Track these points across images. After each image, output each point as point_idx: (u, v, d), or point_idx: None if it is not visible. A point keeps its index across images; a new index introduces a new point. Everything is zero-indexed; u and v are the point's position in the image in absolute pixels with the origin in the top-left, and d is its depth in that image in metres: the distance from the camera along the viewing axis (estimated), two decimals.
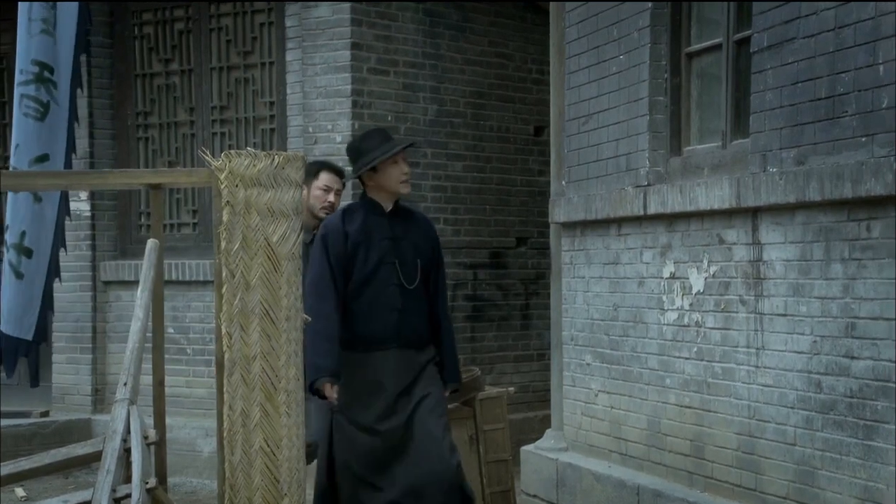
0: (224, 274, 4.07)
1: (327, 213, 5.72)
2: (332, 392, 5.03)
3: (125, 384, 3.27)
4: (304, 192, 5.58)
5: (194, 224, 9.15)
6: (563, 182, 6.92)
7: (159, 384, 4.35)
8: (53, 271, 8.23)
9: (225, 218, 4.07)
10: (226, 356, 4.05)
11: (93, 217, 9.27)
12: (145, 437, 3.20)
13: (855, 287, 4.58)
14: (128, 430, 3.14)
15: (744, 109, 5.42)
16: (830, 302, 4.72)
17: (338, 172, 6.07)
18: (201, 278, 8.76)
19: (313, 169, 5.92)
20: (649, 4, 6.02)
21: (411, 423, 5.10)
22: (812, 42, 4.78)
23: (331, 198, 5.87)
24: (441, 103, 8.95)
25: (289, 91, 8.65)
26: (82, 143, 9.18)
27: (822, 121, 4.72)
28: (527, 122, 9.42)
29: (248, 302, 4.13)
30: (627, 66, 6.21)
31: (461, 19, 9.11)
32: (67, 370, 9.32)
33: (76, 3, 7.84)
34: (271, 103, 8.81)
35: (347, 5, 8.40)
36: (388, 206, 5.25)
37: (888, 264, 4.40)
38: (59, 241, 8.22)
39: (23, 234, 8.16)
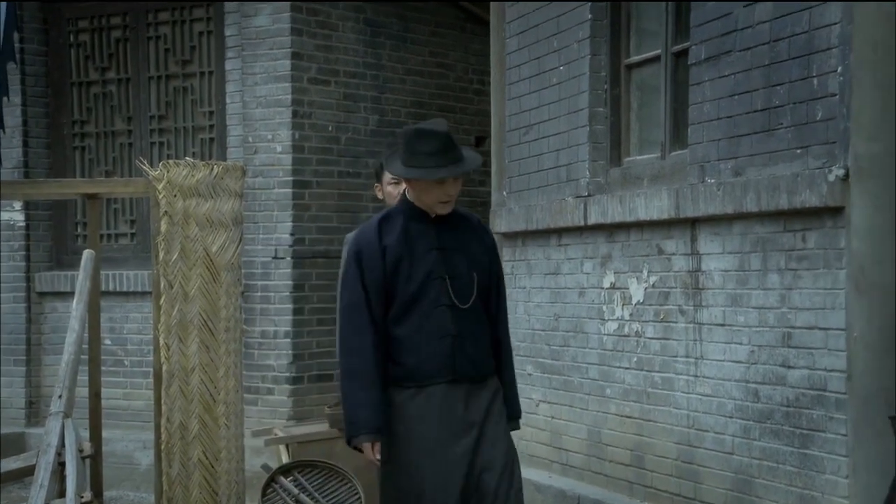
0: (162, 285, 4.03)
1: None
2: (372, 453, 4.20)
3: (60, 397, 3.22)
4: (379, 192, 5.49)
5: (132, 234, 9.06)
6: (504, 192, 6.93)
7: (95, 396, 4.30)
8: None
9: (163, 228, 4.03)
10: (164, 368, 4.01)
11: (27, 227, 9.15)
12: (80, 451, 3.15)
13: (791, 297, 4.63)
14: (62, 444, 3.09)
15: (682, 121, 5.46)
16: (767, 312, 4.76)
17: None
18: (139, 289, 8.67)
19: (376, 168, 5.70)
20: (589, 15, 6.05)
21: (477, 481, 4.22)
22: (748, 55, 4.83)
23: (402, 188, 5.35)
24: (382, 113, 8.94)
25: (228, 100, 8.60)
26: (16, 153, 9.08)
27: (759, 133, 4.76)
28: (468, 132, 9.43)
29: (186, 313, 4.09)
30: (567, 77, 6.24)
31: (402, 29, 9.10)
32: (1, 383, 9.18)
33: (3, 10, 7.74)
34: (210, 113, 8.75)
35: (287, 15, 8.36)
36: (433, 212, 4.32)
37: (823, 274, 4.45)
38: None
39: None
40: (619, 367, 5.81)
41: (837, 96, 4.33)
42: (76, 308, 3.54)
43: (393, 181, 5.30)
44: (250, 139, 8.45)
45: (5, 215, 9.06)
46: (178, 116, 8.93)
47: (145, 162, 4.07)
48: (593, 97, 6.06)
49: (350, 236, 4.89)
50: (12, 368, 9.15)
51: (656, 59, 5.77)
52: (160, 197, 4.00)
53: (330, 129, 8.59)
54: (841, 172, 4.29)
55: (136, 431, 8.58)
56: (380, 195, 5.53)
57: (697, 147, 5.18)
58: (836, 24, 4.34)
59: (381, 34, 8.94)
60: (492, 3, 7.15)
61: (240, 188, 4.15)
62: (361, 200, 8.72)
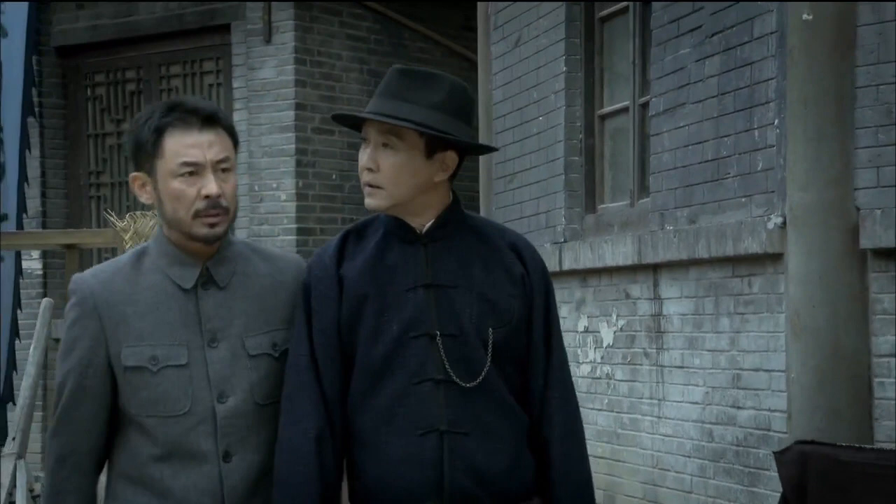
0: None
1: None
2: None
3: (13, 439, 3.47)
4: None
5: None
6: None
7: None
8: (14, 331, 8.44)
9: None
10: None
11: (44, 275, 9.46)
12: (31, 490, 3.38)
13: (739, 340, 4.80)
14: (13, 484, 3.33)
15: (648, 169, 5.66)
16: (720, 354, 4.93)
17: None
18: None
19: None
20: (564, 68, 6.27)
21: None
22: (700, 107, 5.03)
23: None
24: None
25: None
26: (35, 203, 9.40)
27: (709, 182, 4.95)
28: (461, 178, 9.63)
29: None
30: (546, 127, 6.45)
31: None
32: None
33: (21, 67, 8.09)
34: None
35: (291, 67, 8.66)
36: (425, 222, 2.68)
37: (766, 318, 4.62)
38: (17, 300, 8.44)
39: None
40: (592, 409, 5.99)
41: (775, 147, 4.52)
42: (32, 354, 3.79)
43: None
44: (256, 188, 8.72)
45: (25, 263, 9.37)
46: None
47: (113, 214, 4.32)
48: (569, 146, 6.27)
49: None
50: (36, 414, 9.42)
51: (625, 109, 5.98)
52: (126, 246, 4.25)
53: (333, 177, 8.85)
54: (779, 220, 4.46)
55: None
56: None
57: (658, 195, 5.37)
58: (772, 79, 4.54)
59: None
60: (479, 58, 7.39)
61: None
62: None
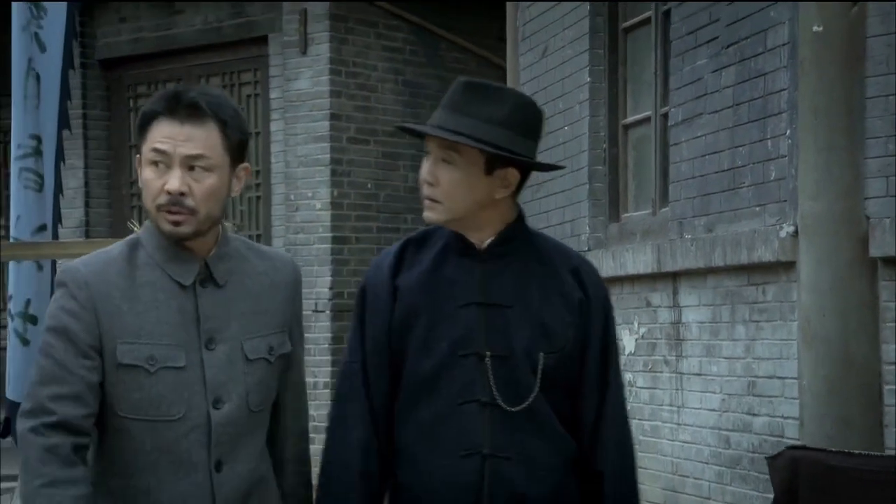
0: None
1: None
2: None
3: None
4: None
5: None
6: None
7: None
8: None
9: None
10: None
11: None
12: None
13: (755, 347, 4.85)
14: None
15: (668, 179, 5.72)
16: (735, 362, 4.98)
17: None
18: None
19: None
20: (588, 79, 6.34)
21: None
22: (716, 117, 5.08)
23: None
24: None
25: (273, 160, 9.03)
26: (78, 213, 9.60)
27: (725, 191, 5.01)
28: None
29: None
30: (571, 136, 6.53)
31: (441, 90, 9.42)
32: None
33: (58, 81, 8.27)
34: (257, 172, 9.18)
35: (326, 78, 8.78)
36: (485, 238, 2.63)
37: (780, 326, 4.67)
38: None
39: (28, 302, 8.54)
40: None
41: (787, 157, 4.56)
42: None
43: None
44: (292, 197, 8.85)
45: None
46: None
47: (135, 223, 4.42)
48: (593, 156, 6.34)
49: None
50: None
51: (648, 119, 6.04)
52: None
53: (368, 186, 8.96)
54: (791, 229, 4.51)
55: None
56: None
57: (676, 204, 5.43)
58: (784, 90, 4.59)
59: (419, 95, 9.30)
60: (508, 68, 7.48)
61: None
62: None
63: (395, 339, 2.59)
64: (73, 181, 9.58)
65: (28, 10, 8.26)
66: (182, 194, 2.42)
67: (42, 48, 8.35)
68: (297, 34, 8.89)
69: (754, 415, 4.85)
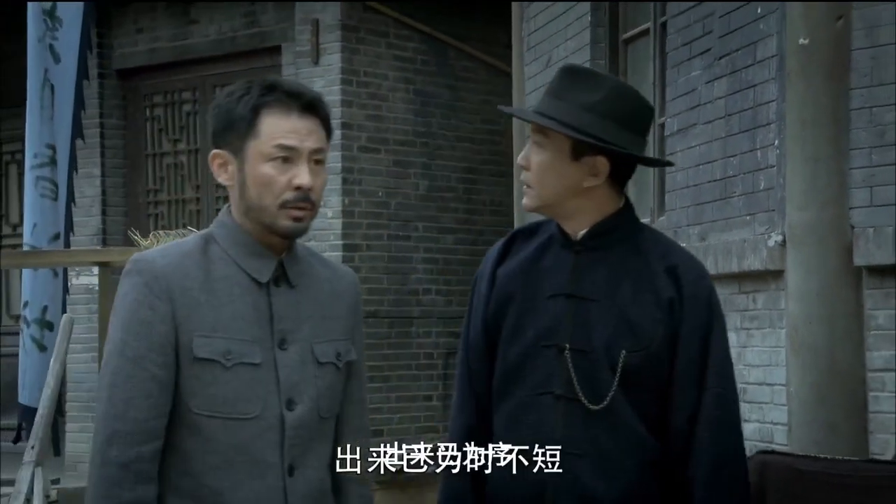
0: None
1: None
2: None
3: (32, 447, 3.70)
4: None
5: None
6: None
7: None
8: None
9: None
10: None
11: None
12: (47, 497, 3.61)
13: (745, 355, 4.92)
14: (31, 491, 3.55)
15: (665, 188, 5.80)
16: None
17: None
18: None
19: None
20: None
21: None
22: (709, 128, 5.16)
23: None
24: (432, 179, 9.38)
25: None
26: (95, 221, 9.74)
27: (718, 200, 5.08)
28: (494, 192, 9.71)
29: None
30: None
31: (453, 98, 9.56)
32: (80, 439, 9.77)
33: (72, 92, 8.41)
34: None
35: (338, 87, 8.89)
36: (580, 229, 2.59)
37: (769, 333, 4.74)
38: (63, 313, 8.75)
39: (45, 308, 8.69)
40: None
41: (775, 167, 4.64)
42: (52, 366, 4.03)
43: None
44: None
45: (84, 279, 9.70)
46: None
47: (137, 232, 4.55)
48: None
49: None
50: (90, 425, 9.74)
51: None
52: None
53: (380, 194, 9.06)
54: (779, 238, 4.59)
55: None
56: None
57: (672, 213, 5.51)
58: (773, 101, 4.67)
59: (430, 104, 9.40)
60: (514, 77, 7.57)
61: None
62: (411, 262, 9.16)
63: (492, 326, 2.59)
64: (90, 190, 9.74)
65: (43, 23, 8.43)
66: (309, 189, 2.35)
67: (57, 59, 8.51)
68: (309, 44, 9.01)
69: (746, 421, 4.91)
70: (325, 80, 8.95)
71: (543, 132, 2.51)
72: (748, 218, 4.85)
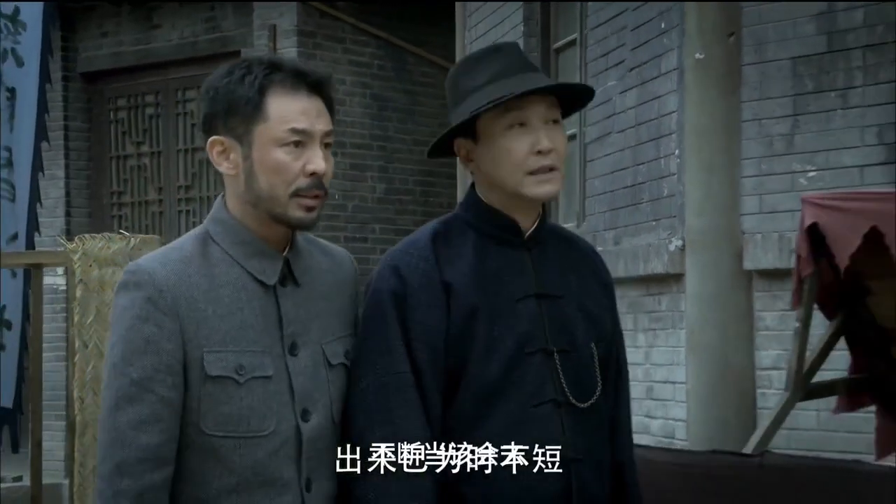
0: (77, 344, 4.70)
1: None
2: None
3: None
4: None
5: None
6: None
7: (37, 445, 4.98)
8: (23, 345, 8.95)
9: (78, 294, 4.70)
10: (77, 419, 4.67)
11: (67, 291, 9.97)
12: None
13: (651, 354, 5.14)
14: None
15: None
16: (637, 367, 5.26)
17: None
18: None
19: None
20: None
21: None
22: (622, 136, 5.38)
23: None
24: (389, 182, 9.58)
25: None
26: (59, 222, 9.93)
27: (629, 206, 5.30)
28: (441, 187, 9.89)
29: (100, 369, 4.74)
30: None
31: (409, 103, 9.76)
32: (43, 437, 9.94)
33: (35, 95, 8.61)
34: None
35: None
36: (528, 224, 2.33)
37: (672, 334, 4.96)
38: (26, 314, 8.94)
39: (3, 308, 8.89)
40: None
41: (676, 175, 4.86)
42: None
43: None
44: None
45: (48, 279, 9.90)
46: (202, 186, 9.71)
47: (63, 237, 4.73)
48: None
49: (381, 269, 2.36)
50: (53, 423, 9.95)
51: (574, 136, 6.34)
52: (76, 266, 4.65)
53: (336, 197, 9.25)
54: (679, 243, 4.81)
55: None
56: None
57: (591, 217, 5.73)
58: (674, 112, 4.88)
59: (387, 108, 9.61)
60: None
61: None
62: (368, 264, 9.35)
63: (454, 344, 2.23)
64: (55, 191, 9.93)
65: (4, 27, 8.62)
66: (323, 174, 2.14)
67: (19, 63, 8.70)
68: (267, 49, 9.19)
69: (652, 417, 5.14)
70: None
71: (558, 106, 2.25)
72: (654, 223, 5.07)
